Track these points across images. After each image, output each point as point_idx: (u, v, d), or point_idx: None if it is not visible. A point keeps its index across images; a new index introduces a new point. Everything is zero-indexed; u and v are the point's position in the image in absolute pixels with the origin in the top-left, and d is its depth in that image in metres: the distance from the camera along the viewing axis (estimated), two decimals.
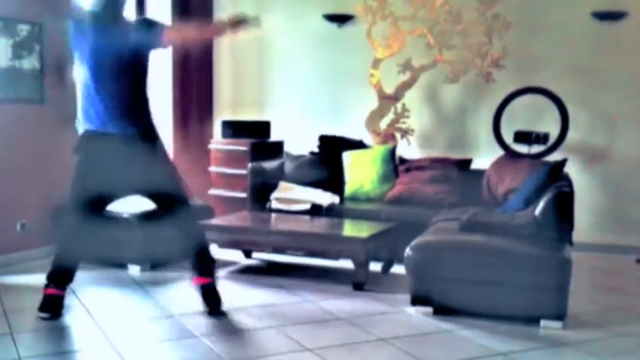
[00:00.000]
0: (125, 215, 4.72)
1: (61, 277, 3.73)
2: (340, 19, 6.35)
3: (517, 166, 5.09)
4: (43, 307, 3.69)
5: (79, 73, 3.62)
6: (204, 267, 3.84)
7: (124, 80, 3.57)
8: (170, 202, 3.75)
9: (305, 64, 6.61)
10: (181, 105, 6.52)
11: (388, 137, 5.98)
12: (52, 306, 3.70)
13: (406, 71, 5.90)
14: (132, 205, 4.59)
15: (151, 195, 3.80)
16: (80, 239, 3.74)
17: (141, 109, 3.67)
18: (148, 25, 3.59)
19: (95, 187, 3.58)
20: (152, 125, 3.73)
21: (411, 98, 6.01)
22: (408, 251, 3.90)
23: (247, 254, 5.24)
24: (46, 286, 3.72)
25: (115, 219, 4.59)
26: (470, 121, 6.13)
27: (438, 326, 3.71)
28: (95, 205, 3.68)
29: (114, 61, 3.52)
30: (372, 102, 6.06)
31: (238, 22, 3.46)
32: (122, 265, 4.78)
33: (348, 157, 5.78)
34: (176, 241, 3.86)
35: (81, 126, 3.65)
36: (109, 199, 3.78)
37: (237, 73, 6.87)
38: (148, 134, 3.69)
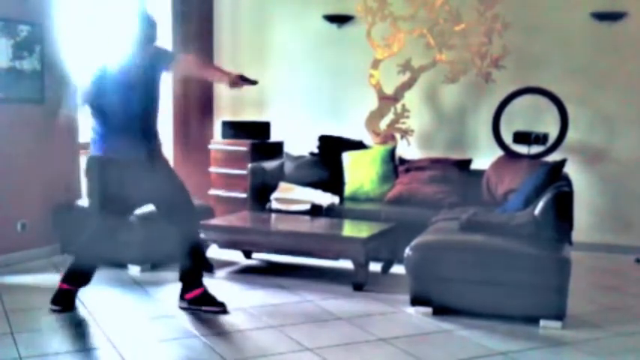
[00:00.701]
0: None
1: (78, 279, 3.85)
2: (340, 19, 6.37)
3: (516, 167, 5.09)
4: (55, 300, 3.79)
5: (103, 105, 3.70)
6: (194, 279, 3.91)
7: (146, 112, 3.79)
8: (179, 210, 3.86)
9: (305, 65, 6.61)
10: (181, 105, 6.53)
11: (388, 137, 5.99)
12: (65, 299, 3.80)
13: (406, 72, 5.91)
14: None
15: (163, 205, 3.91)
16: (104, 247, 3.89)
17: (154, 133, 3.88)
18: (164, 53, 3.86)
19: (121, 201, 3.77)
20: (160, 145, 3.94)
21: (411, 99, 6.02)
22: (407, 251, 3.91)
23: (247, 254, 5.25)
24: (62, 281, 3.83)
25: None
26: (469, 121, 6.14)
27: (438, 326, 3.71)
28: (120, 216, 3.89)
29: (143, 98, 3.73)
30: (372, 102, 6.07)
31: (240, 81, 3.75)
32: (122, 265, 4.78)
33: (348, 158, 5.78)
34: (175, 244, 3.93)
35: (98, 150, 3.74)
36: (132, 209, 4.03)
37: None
38: (158, 153, 3.90)
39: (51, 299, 3.79)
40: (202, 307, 3.86)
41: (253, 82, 3.77)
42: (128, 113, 3.69)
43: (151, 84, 3.78)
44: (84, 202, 5.09)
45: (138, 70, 3.69)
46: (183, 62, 4.07)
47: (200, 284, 3.91)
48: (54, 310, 3.76)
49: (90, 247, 3.86)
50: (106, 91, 3.65)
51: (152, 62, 3.75)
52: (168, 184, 3.85)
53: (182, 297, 3.93)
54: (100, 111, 3.70)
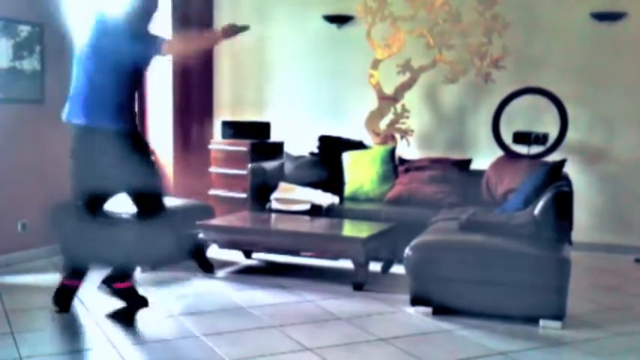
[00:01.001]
0: (125, 215, 4.72)
1: (72, 271, 3.83)
2: (340, 19, 6.37)
3: (516, 167, 5.10)
4: (56, 298, 3.79)
5: (77, 65, 3.70)
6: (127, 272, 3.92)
7: (118, 81, 3.67)
8: (147, 202, 3.82)
9: (305, 65, 6.61)
10: (181, 105, 6.53)
11: (388, 138, 5.99)
12: (63, 298, 3.78)
13: (406, 72, 5.91)
14: (132, 205, 4.59)
15: (131, 193, 3.84)
16: (82, 237, 3.82)
17: (130, 109, 3.79)
18: (149, 37, 3.74)
19: (90, 184, 3.72)
20: (136, 125, 3.84)
21: (411, 99, 6.02)
22: (407, 251, 3.91)
23: (247, 254, 5.25)
24: (63, 277, 3.83)
25: (114, 219, 4.59)
26: (469, 121, 6.14)
27: (438, 326, 3.72)
28: (93, 202, 3.81)
29: (113, 65, 3.64)
30: (372, 102, 6.07)
31: (230, 31, 3.70)
32: None
33: (348, 158, 5.79)
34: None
35: (66, 116, 3.72)
36: (105, 195, 3.89)
37: (237, 74, 6.87)
38: (134, 133, 3.79)
39: (52, 297, 3.78)
40: (125, 299, 3.86)
41: (244, 28, 3.71)
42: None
43: (125, 57, 3.64)
44: None
45: (115, 34, 3.61)
46: (173, 43, 3.98)
47: (129, 278, 3.92)
48: (56, 311, 3.75)
49: (69, 243, 3.83)
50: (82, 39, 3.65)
51: (140, 40, 3.67)
52: (143, 172, 3.75)
53: (107, 283, 3.88)
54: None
